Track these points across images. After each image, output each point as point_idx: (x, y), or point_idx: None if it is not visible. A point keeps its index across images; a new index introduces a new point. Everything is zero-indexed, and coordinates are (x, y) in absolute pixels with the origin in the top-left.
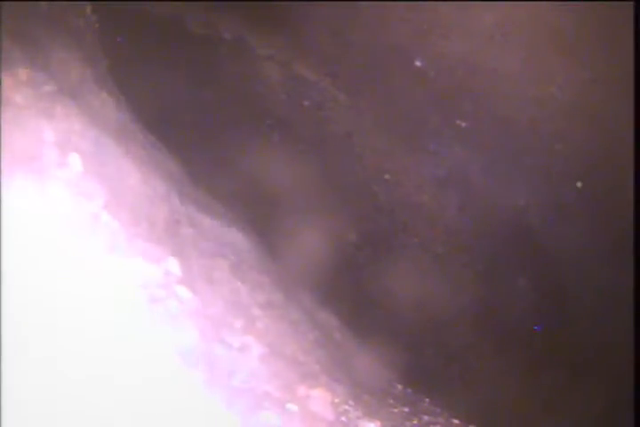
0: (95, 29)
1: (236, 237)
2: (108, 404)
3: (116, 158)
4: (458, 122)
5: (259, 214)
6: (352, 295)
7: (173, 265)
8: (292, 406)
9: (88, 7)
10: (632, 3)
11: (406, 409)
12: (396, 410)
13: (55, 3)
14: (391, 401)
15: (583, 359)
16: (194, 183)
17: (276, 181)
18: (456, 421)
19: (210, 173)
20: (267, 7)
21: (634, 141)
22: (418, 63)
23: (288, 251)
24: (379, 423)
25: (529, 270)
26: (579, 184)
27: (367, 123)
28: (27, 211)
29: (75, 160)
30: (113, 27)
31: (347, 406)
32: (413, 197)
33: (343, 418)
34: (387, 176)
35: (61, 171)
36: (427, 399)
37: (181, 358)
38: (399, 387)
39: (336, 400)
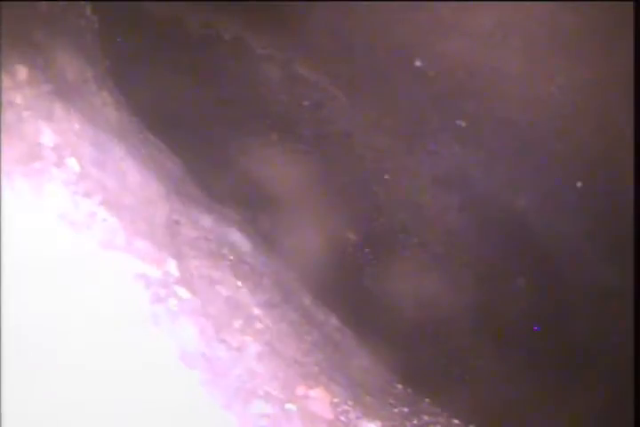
0: (95, 29)
1: (236, 237)
2: (106, 402)
3: (115, 158)
4: (458, 122)
5: (259, 214)
6: (352, 295)
7: (172, 266)
8: (292, 406)
9: (88, 7)
10: (632, 3)
11: (406, 409)
12: (395, 410)
13: (55, 3)
14: (391, 401)
15: (583, 359)
16: (194, 183)
17: (276, 181)
18: (456, 421)
19: (210, 173)
20: (267, 7)
21: (634, 141)
22: (418, 63)
23: (288, 251)
24: (379, 423)
25: (528, 270)
26: (579, 184)
27: (367, 123)
28: (26, 211)
29: (73, 160)
30: (113, 27)
31: (346, 406)
32: (413, 197)
33: (342, 418)
34: (387, 176)
35: (60, 171)
36: (427, 399)
37: (181, 357)
38: (399, 387)
39: (335, 400)
